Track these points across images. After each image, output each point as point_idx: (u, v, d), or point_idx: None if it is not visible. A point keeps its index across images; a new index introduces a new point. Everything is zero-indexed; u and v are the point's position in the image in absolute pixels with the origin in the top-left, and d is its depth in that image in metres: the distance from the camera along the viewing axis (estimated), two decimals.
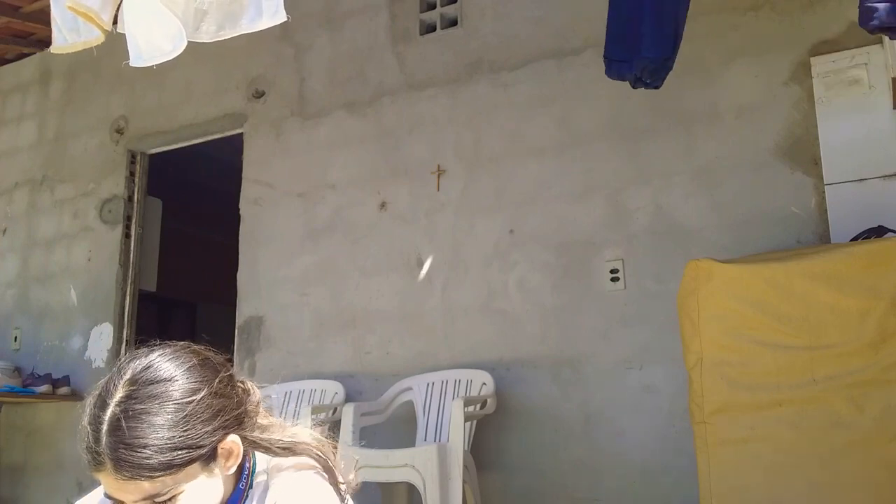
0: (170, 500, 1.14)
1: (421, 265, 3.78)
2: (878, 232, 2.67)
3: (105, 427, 1.12)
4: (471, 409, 3.21)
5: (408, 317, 3.76)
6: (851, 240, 2.69)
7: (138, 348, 1.25)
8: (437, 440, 3.31)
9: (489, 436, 3.39)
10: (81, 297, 4.86)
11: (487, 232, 3.64)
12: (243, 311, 4.26)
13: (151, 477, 1.12)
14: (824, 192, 2.97)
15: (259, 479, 1.32)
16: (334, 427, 3.49)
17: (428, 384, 3.52)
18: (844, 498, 2.23)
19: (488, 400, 3.29)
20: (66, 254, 5.01)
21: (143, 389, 1.15)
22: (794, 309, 2.36)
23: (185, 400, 1.16)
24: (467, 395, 3.35)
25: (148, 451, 1.11)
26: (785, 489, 2.30)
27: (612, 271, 3.32)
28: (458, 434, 3.02)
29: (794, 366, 2.33)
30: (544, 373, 3.38)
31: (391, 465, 3.07)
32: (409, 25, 4.07)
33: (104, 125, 5.06)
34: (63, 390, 4.55)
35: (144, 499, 1.13)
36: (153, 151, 4.98)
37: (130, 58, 2.33)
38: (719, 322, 2.45)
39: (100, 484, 1.19)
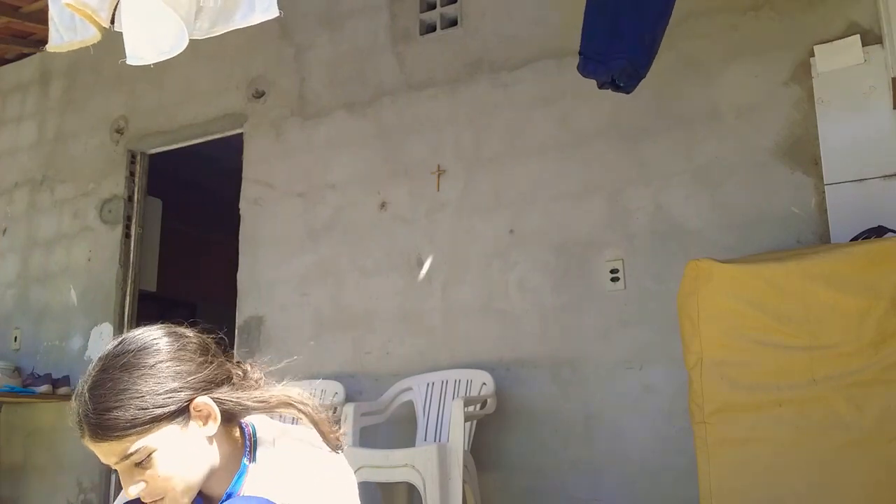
0: (146, 458, 1.22)
1: (421, 265, 3.78)
2: (878, 232, 2.67)
3: (78, 397, 1.24)
4: (471, 409, 3.21)
5: (408, 317, 3.76)
6: (851, 240, 2.69)
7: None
8: (437, 440, 3.31)
9: (489, 436, 3.39)
10: (81, 297, 4.86)
11: (487, 232, 3.64)
12: (243, 311, 4.26)
13: (119, 437, 1.21)
14: (824, 192, 2.97)
15: (264, 450, 1.37)
16: None
17: (428, 384, 3.52)
18: (844, 498, 2.23)
19: (488, 400, 3.29)
20: (66, 254, 5.01)
21: (110, 361, 1.26)
22: (794, 309, 2.36)
23: (143, 364, 1.25)
24: (467, 395, 3.35)
25: (111, 414, 1.21)
26: (785, 489, 2.30)
27: (612, 271, 3.32)
28: (458, 434, 3.02)
29: (794, 366, 2.33)
30: (544, 373, 3.38)
31: (391, 465, 3.07)
32: (409, 25, 4.07)
33: (104, 125, 5.06)
34: (63, 390, 4.55)
35: (121, 459, 1.22)
36: (153, 151, 4.98)
37: (127, 56, 2.33)
38: (719, 322, 2.45)
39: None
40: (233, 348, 4.23)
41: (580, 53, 2.74)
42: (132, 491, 1.24)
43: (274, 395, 1.37)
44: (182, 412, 1.26)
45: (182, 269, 6.44)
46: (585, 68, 2.73)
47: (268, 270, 4.22)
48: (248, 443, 1.37)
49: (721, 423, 2.40)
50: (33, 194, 5.29)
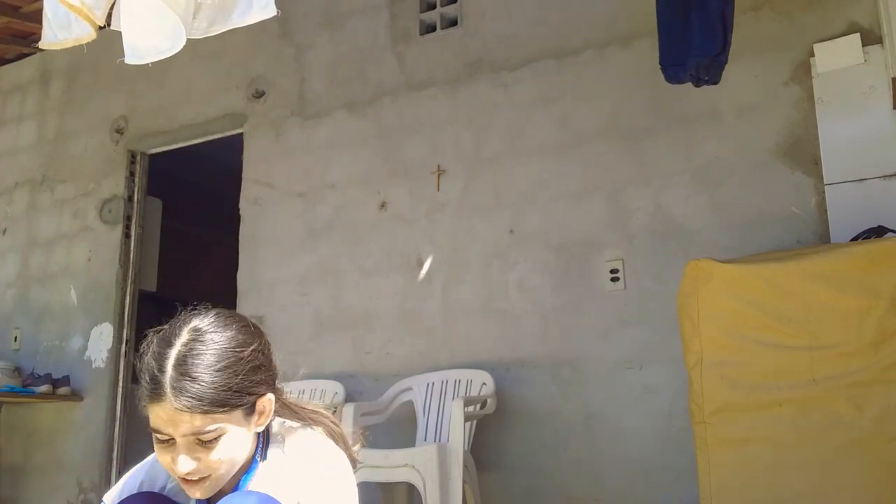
0: (214, 439, 1.25)
1: (421, 265, 3.77)
2: (878, 232, 2.67)
3: (171, 361, 1.25)
4: (471, 409, 3.21)
5: (408, 317, 3.76)
6: (851, 240, 2.69)
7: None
8: (437, 440, 3.31)
9: (489, 436, 3.39)
10: (81, 297, 4.86)
11: (487, 232, 3.64)
12: (243, 311, 4.23)
13: (206, 411, 1.23)
14: (824, 192, 2.97)
15: (275, 448, 1.41)
16: None
17: (428, 384, 3.52)
18: (844, 498, 2.23)
19: (488, 400, 3.29)
20: (66, 254, 5.01)
21: (206, 335, 1.30)
22: (794, 309, 2.36)
23: (239, 348, 1.31)
24: (467, 395, 3.35)
25: (207, 386, 1.23)
26: (785, 489, 2.30)
27: (612, 271, 3.32)
28: (458, 434, 3.02)
29: (793, 366, 2.33)
30: (544, 373, 3.38)
31: (391, 465, 3.07)
32: (409, 25, 4.07)
33: (104, 125, 5.06)
34: (63, 390, 4.55)
35: (193, 433, 1.24)
36: (153, 151, 4.98)
37: (125, 55, 2.32)
38: (719, 322, 2.45)
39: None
40: None
41: (660, 65, 2.82)
42: (185, 467, 1.25)
43: (320, 412, 1.47)
44: (253, 405, 1.31)
45: (182, 269, 6.44)
46: (668, 76, 2.82)
47: (268, 270, 4.22)
48: (261, 440, 1.39)
49: (721, 423, 2.40)
50: (33, 194, 5.29)
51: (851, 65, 2.98)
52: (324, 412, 1.49)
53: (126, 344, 4.68)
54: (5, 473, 4.85)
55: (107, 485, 4.45)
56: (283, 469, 1.36)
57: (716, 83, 2.82)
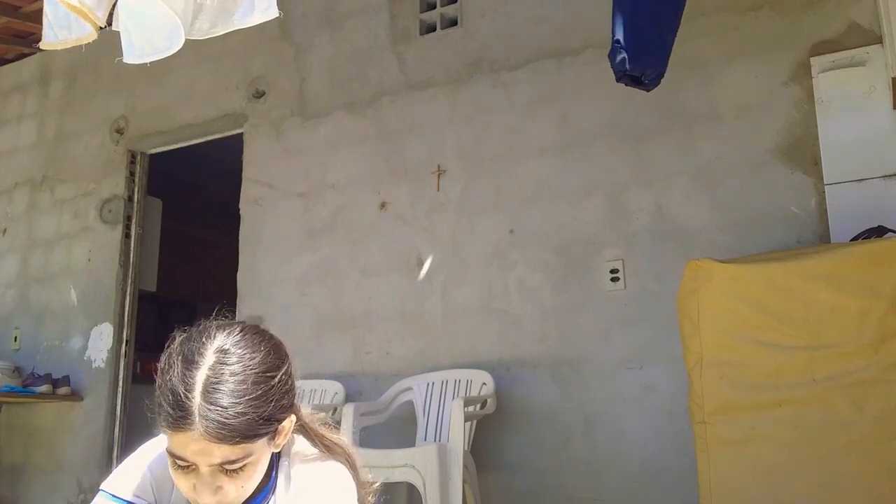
0: (241, 468, 1.18)
1: (421, 265, 3.78)
2: (878, 232, 2.67)
3: (199, 387, 1.15)
4: (471, 409, 3.21)
5: (408, 317, 3.75)
6: (851, 240, 2.69)
7: (206, 322, 1.29)
8: (437, 440, 3.31)
9: (489, 436, 3.39)
10: (81, 297, 4.86)
11: (487, 232, 3.64)
12: (243, 311, 4.26)
13: (238, 442, 1.15)
14: (824, 192, 2.97)
15: (282, 461, 1.36)
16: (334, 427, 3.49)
17: (428, 384, 3.52)
18: (844, 498, 2.23)
19: (488, 400, 3.29)
20: (66, 254, 5.00)
21: (233, 357, 1.19)
22: (794, 309, 2.36)
23: (269, 373, 1.21)
24: (467, 395, 3.35)
25: (240, 417, 1.15)
26: (785, 489, 2.30)
27: (612, 271, 3.32)
28: (458, 434, 3.02)
29: (794, 366, 2.33)
30: (544, 373, 3.37)
31: (391, 465, 3.07)
32: (409, 25, 4.07)
33: (104, 125, 5.06)
34: (63, 390, 4.55)
35: (223, 463, 1.16)
36: (153, 151, 4.98)
37: (124, 54, 2.32)
38: (719, 322, 2.45)
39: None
40: None
41: (620, 47, 2.61)
42: (208, 498, 1.17)
43: (339, 444, 1.39)
44: (279, 429, 1.25)
45: (182, 269, 6.44)
46: (623, 63, 2.61)
47: (268, 270, 4.22)
48: (275, 470, 1.34)
49: (721, 423, 2.40)
50: (33, 194, 5.29)
51: (851, 65, 2.98)
52: (343, 444, 1.40)
53: (126, 344, 4.68)
54: (5, 473, 4.85)
55: None
56: (293, 484, 1.32)
57: (648, 91, 2.75)
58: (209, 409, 1.13)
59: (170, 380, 1.17)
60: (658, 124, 3.34)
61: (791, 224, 3.02)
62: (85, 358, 4.72)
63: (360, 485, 1.40)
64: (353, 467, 1.38)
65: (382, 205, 3.94)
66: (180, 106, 4.77)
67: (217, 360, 1.18)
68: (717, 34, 3.28)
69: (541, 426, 3.34)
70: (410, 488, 3.28)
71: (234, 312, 4.29)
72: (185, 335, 1.25)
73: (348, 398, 3.67)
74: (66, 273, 4.96)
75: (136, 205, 4.91)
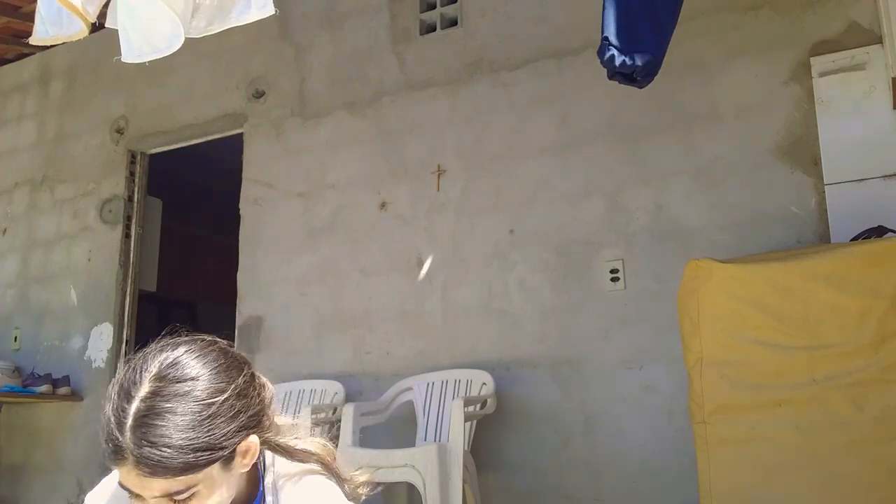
0: (188, 498, 1.14)
1: (421, 265, 3.78)
2: (878, 232, 2.67)
3: (130, 422, 1.11)
4: (471, 409, 3.21)
5: (408, 317, 3.76)
6: (851, 240, 2.69)
7: (158, 341, 1.23)
8: (437, 440, 3.31)
9: (489, 436, 3.39)
10: (81, 297, 4.86)
11: (487, 232, 3.64)
12: (243, 311, 4.26)
13: (174, 476, 1.11)
14: (824, 192, 2.97)
15: (267, 478, 1.32)
16: (334, 427, 3.49)
17: (428, 384, 3.51)
18: (844, 498, 2.23)
19: (488, 400, 3.29)
20: (66, 254, 5.01)
21: (169, 387, 1.14)
22: (794, 309, 2.36)
23: (209, 400, 1.15)
24: (467, 395, 3.35)
25: (172, 451, 1.10)
26: (785, 489, 2.30)
27: (612, 271, 3.32)
28: (458, 434, 3.02)
29: (794, 366, 2.33)
30: (544, 373, 3.37)
31: (391, 465, 3.07)
32: (409, 25, 4.07)
33: (104, 125, 5.06)
34: (63, 390, 4.55)
35: (163, 496, 1.13)
36: (153, 151, 4.98)
37: (122, 53, 2.32)
38: (719, 322, 2.45)
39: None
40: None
41: (604, 39, 2.57)
42: None
43: (313, 453, 1.31)
44: (233, 452, 1.18)
45: (182, 269, 6.44)
46: (612, 60, 2.55)
47: (268, 270, 4.22)
48: (259, 470, 1.31)
49: (721, 423, 2.40)
50: (33, 194, 5.29)
51: (851, 65, 2.98)
52: (317, 452, 1.32)
53: (126, 344, 4.68)
54: (5, 473, 4.85)
55: None
56: (289, 493, 1.29)
57: (641, 87, 2.69)
58: (140, 445, 1.10)
59: (106, 412, 1.14)
60: (658, 124, 3.34)
61: (791, 224, 3.02)
62: (85, 358, 4.72)
63: (345, 481, 1.34)
64: (331, 471, 1.32)
65: (382, 205, 3.94)
66: (180, 106, 4.77)
67: (151, 390, 1.13)
68: (717, 33, 3.28)
69: (541, 426, 3.34)
70: (410, 488, 3.28)
71: (234, 312, 4.29)
72: (129, 361, 1.20)
73: (348, 398, 3.67)
74: (66, 273, 4.96)
75: (136, 205, 4.91)
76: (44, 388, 4.49)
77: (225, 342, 1.27)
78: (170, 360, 1.17)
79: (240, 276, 4.32)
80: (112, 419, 1.13)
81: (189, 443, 1.11)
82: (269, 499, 1.30)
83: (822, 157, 2.99)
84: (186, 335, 1.24)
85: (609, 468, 3.18)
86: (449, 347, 3.62)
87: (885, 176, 2.87)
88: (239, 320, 4.26)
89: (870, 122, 2.94)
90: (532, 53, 3.69)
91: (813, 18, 3.11)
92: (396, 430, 3.56)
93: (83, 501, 1.34)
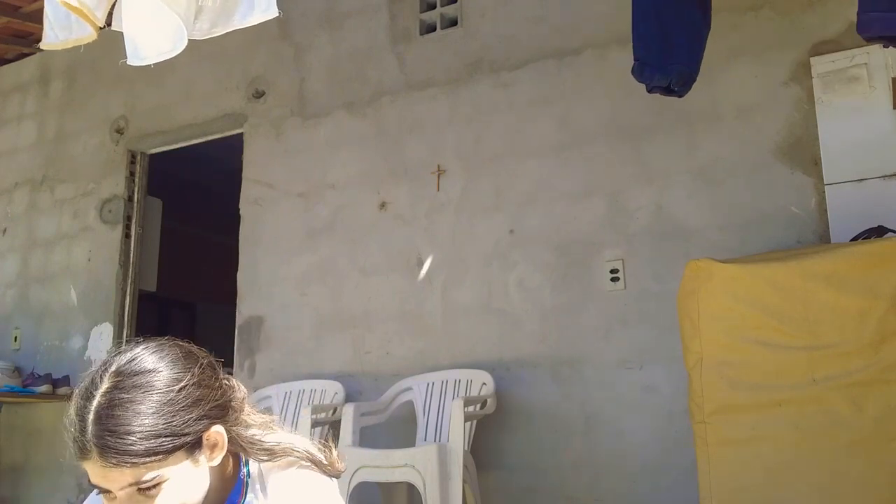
0: (154, 486, 1.17)
1: (421, 265, 3.78)
2: (878, 232, 2.67)
3: (91, 416, 1.16)
4: (471, 409, 3.21)
5: (408, 317, 3.76)
6: (851, 240, 2.69)
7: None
8: (437, 440, 3.31)
9: (489, 436, 3.39)
10: (81, 297, 4.86)
11: (487, 232, 3.64)
12: (243, 311, 4.26)
13: (136, 463, 1.14)
14: (824, 192, 2.97)
15: (252, 469, 1.34)
16: (334, 427, 3.49)
17: (428, 384, 3.52)
18: (844, 498, 2.23)
19: (488, 400, 3.29)
20: (66, 254, 5.01)
21: (127, 380, 1.18)
22: (794, 309, 2.36)
23: (167, 388, 1.19)
24: (467, 395, 3.35)
25: (133, 438, 1.14)
26: (785, 489, 2.30)
27: (612, 271, 3.32)
28: (458, 434, 3.02)
29: (794, 366, 2.33)
30: (544, 373, 3.38)
31: (391, 465, 3.07)
32: (409, 25, 4.07)
33: (104, 125, 5.06)
34: (63, 390, 4.55)
35: (130, 485, 1.16)
36: (153, 151, 4.98)
37: (128, 56, 2.33)
38: (719, 322, 2.45)
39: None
40: (233, 348, 4.24)
41: (636, 59, 2.66)
42: None
43: (277, 448, 1.33)
44: (198, 441, 1.21)
45: (182, 269, 6.44)
46: (643, 73, 2.65)
47: (268, 270, 4.22)
48: (239, 486, 1.33)
49: (721, 423, 2.40)
50: (33, 194, 5.29)
51: (851, 65, 2.98)
52: (287, 447, 1.34)
53: (126, 344, 4.68)
54: (5, 473, 4.85)
55: None
56: (275, 485, 1.31)
57: (680, 97, 2.74)
58: (102, 436, 1.14)
59: (70, 413, 1.19)
60: (658, 124, 3.34)
61: (791, 224, 3.02)
62: (85, 358, 4.72)
63: (327, 465, 1.36)
64: (315, 463, 1.34)
65: (382, 205, 3.94)
66: (180, 106, 4.77)
67: (110, 385, 1.18)
68: (717, 34, 3.26)
69: (541, 426, 3.34)
70: (410, 488, 3.28)
71: (234, 312, 4.29)
72: (92, 368, 1.25)
73: (348, 398, 3.67)
74: (66, 273, 4.96)
75: (136, 205, 4.91)
76: (44, 388, 4.49)
77: (184, 341, 1.31)
78: (127, 357, 1.22)
79: (240, 276, 4.32)
80: (75, 418, 1.17)
81: (150, 429, 1.15)
82: (250, 494, 1.32)
83: (822, 158, 2.99)
84: (143, 340, 1.29)
85: (609, 468, 3.18)
86: (449, 347, 3.62)
87: (885, 176, 2.87)
88: (239, 320, 4.26)
89: (870, 123, 2.94)
90: (532, 53, 3.69)
91: (813, 19, 3.11)
92: (396, 430, 3.56)
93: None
